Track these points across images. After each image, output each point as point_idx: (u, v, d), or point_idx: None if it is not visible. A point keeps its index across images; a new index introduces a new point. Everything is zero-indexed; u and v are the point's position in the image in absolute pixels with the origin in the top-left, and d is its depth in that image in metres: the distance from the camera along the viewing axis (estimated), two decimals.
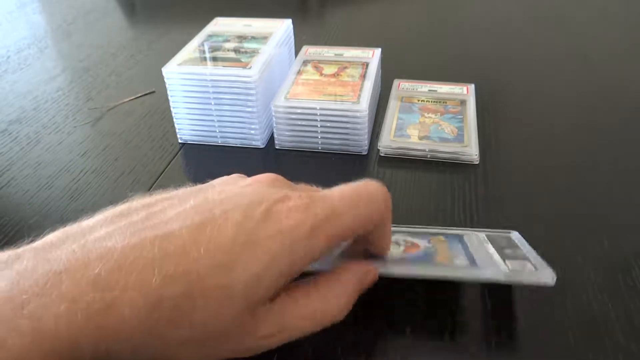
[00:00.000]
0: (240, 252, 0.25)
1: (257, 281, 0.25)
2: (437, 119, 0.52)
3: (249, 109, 0.50)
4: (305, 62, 0.55)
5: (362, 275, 0.30)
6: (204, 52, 0.53)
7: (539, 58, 0.67)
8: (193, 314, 0.24)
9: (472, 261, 0.32)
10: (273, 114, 0.49)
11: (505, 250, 0.33)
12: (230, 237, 0.25)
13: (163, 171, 0.49)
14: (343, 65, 0.55)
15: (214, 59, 0.52)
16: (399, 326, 0.33)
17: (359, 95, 0.49)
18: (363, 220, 0.29)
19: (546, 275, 0.30)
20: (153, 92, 0.62)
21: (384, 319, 0.33)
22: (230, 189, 0.28)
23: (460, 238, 0.36)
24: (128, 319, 0.22)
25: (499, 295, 0.34)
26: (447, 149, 0.48)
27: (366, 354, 0.31)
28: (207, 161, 0.50)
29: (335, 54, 0.57)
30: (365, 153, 0.50)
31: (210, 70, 0.49)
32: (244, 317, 0.25)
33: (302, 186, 0.31)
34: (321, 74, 0.53)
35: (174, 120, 0.52)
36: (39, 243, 0.25)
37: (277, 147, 0.51)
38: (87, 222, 0.27)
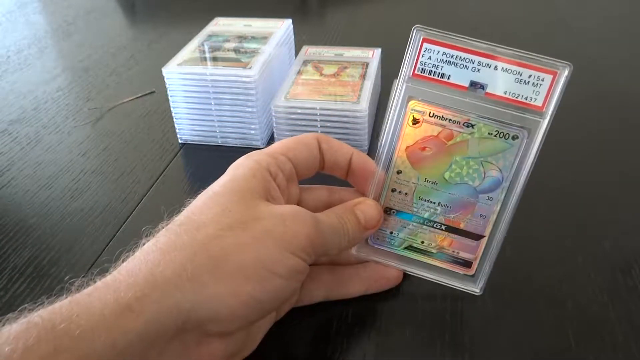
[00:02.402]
0: None
1: None
2: None
3: (249, 109, 0.50)
4: (305, 62, 0.55)
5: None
6: (204, 52, 0.53)
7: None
8: None
9: None
10: (273, 114, 0.49)
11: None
12: None
13: (163, 171, 0.49)
14: (343, 65, 0.55)
15: (214, 59, 0.52)
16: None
17: (359, 95, 0.49)
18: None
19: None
20: (153, 92, 0.62)
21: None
22: None
23: None
24: None
25: (499, 296, 0.34)
26: None
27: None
28: (207, 161, 0.50)
29: (335, 54, 0.57)
30: (366, 153, 0.50)
31: (210, 70, 0.49)
32: None
33: None
34: (321, 74, 0.53)
35: (174, 120, 0.52)
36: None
37: None
38: None
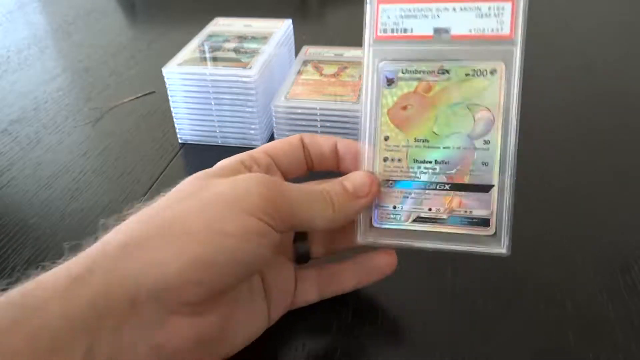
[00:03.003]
0: None
1: None
2: None
3: (249, 109, 0.50)
4: (305, 62, 0.55)
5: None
6: (204, 52, 0.53)
7: (540, 59, 0.67)
8: None
9: None
10: (273, 114, 0.49)
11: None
12: None
13: (163, 171, 0.49)
14: (343, 65, 0.55)
15: (214, 59, 0.52)
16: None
17: (359, 95, 0.49)
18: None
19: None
20: (153, 92, 0.62)
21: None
22: None
23: None
24: None
25: (499, 296, 0.34)
26: None
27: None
28: (207, 161, 0.50)
29: (335, 54, 0.57)
30: None
31: (210, 70, 0.49)
32: None
33: None
34: (321, 74, 0.53)
35: (174, 120, 0.52)
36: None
37: None
38: None
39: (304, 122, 0.49)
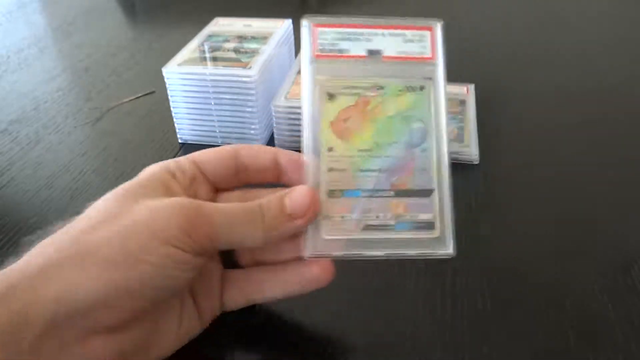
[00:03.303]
0: None
1: None
2: None
3: (249, 109, 0.50)
4: None
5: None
6: (204, 52, 0.53)
7: (540, 58, 0.67)
8: None
9: None
10: (273, 114, 0.49)
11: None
12: None
13: None
14: None
15: (214, 59, 0.52)
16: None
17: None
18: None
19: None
20: (153, 92, 0.62)
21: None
22: None
23: None
24: None
25: (499, 296, 0.34)
26: None
27: None
28: None
29: None
30: None
31: (210, 70, 0.49)
32: None
33: None
34: None
35: (174, 120, 0.52)
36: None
37: (277, 147, 0.51)
38: None
39: None
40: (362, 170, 0.31)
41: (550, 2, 0.86)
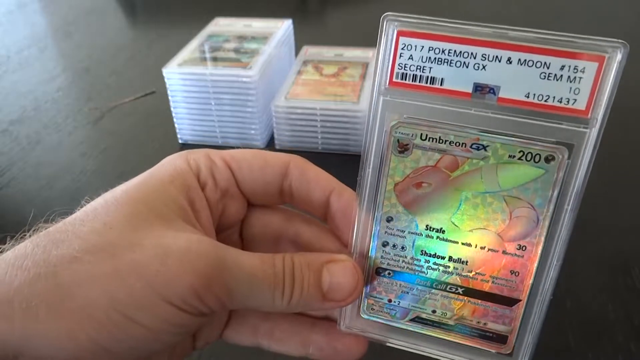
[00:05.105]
0: None
1: None
2: None
3: (249, 109, 0.50)
4: (305, 62, 0.55)
5: None
6: (204, 52, 0.53)
7: None
8: None
9: None
10: (273, 114, 0.49)
11: None
12: None
13: None
14: (343, 65, 0.55)
15: (214, 59, 0.52)
16: None
17: (359, 95, 0.49)
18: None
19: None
20: (153, 92, 0.62)
21: None
22: None
23: None
24: None
25: None
26: None
27: None
28: None
29: (335, 54, 0.57)
30: None
31: (210, 70, 0.49)
32: None
33: None
34: (321, 74, 0.53)
35: (174, 120, 0.52)
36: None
37: (277, 147, 0.51)
38: None
39: (304, 122, 0.49)
40: (426, 254, 0.23)
41: (550, 3, 0.86)
